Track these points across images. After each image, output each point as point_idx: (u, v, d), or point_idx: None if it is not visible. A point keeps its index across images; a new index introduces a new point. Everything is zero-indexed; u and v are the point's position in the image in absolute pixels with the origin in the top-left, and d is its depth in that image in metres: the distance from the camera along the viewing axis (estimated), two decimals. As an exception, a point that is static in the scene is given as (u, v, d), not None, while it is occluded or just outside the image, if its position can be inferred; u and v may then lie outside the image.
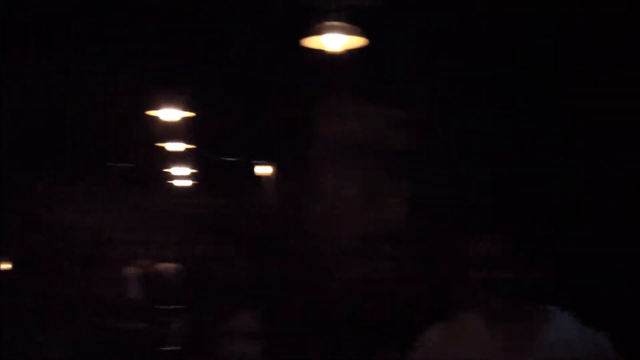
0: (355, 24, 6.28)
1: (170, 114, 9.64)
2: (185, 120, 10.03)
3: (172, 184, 17.92)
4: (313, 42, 6.38)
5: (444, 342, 3.10)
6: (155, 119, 9.87)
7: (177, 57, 8.14)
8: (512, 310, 2.99)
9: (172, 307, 10.77)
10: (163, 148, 12.57)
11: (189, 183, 17.90)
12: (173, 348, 8.40)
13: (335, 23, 6.25)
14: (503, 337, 2.98)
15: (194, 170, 16.56)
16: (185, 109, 9.65)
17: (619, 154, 5.34)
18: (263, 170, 14.83)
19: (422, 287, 6.78)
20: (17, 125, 9.88)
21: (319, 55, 6.56)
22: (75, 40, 7.61)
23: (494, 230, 3.04)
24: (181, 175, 16.93)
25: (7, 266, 9.64)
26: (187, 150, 13.16)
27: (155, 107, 9.57)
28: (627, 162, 5.29)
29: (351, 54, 6.56)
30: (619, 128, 5.31)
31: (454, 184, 6.83)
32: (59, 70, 8.85)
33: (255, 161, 15.16)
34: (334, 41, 6.36)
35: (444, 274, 6.20)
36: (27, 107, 10.12)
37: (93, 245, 12.21)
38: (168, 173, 16.66)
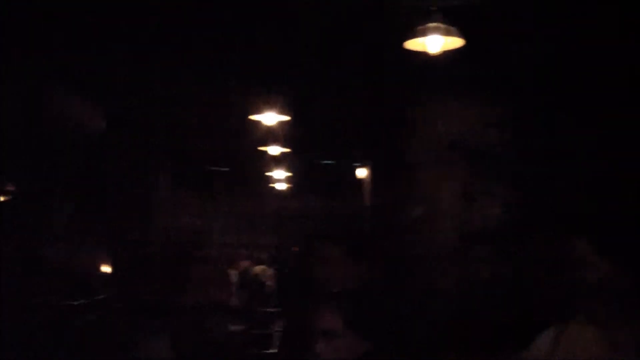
0: (454, 25, 6.26)
1: (270, 118, 9.71)
2: (285, 123, 10.12)
3: (272, 187, 18.02)
4: (414, 44, 6.42)
5: (555, 348, 3.05)
6: (256, 123, 9.97)
7: (277, 62, 8.21)
8: (618, 315, 2.93)
9: (270, 309, 10.83)
10: (264, 152, 12.64)
11: (288, 186, 17.98)
12: (271, 351, 8.48)
13: (435, 24, 6.24)
14: (611, 344, 2.92)
15: (293, 174, 16.62)
16: (285, 112, 9.74)
17: None
18: (362, 172, 14.81)
19: (521, 289, 6.72)
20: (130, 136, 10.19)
21: (420, 56, 6.53)
22: (175, 47, 7.74)
23: (591, 231, 2.99)
24: (281, 179, 17.00)
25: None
26: (287, 153, 13.22)
27: (257, 112, 9.67)
28: None
29: (451, 54, 6.53)
30: None
31: (552, 184, 6.75)
32: (163, 80, 9.06)
33: (355, 164, 15.25)
34: (434, 42, 6.35)
35: (542, 276, 6.05)
36: (136, 119, 10.59)
37: (196, 247, 12.17)
38: (269, 176, 16.75)
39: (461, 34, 6.31)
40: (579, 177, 6.15)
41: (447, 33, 6.28)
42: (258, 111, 9.67)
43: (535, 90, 7.09)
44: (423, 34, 6.28)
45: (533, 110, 7.26)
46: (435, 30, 6.25)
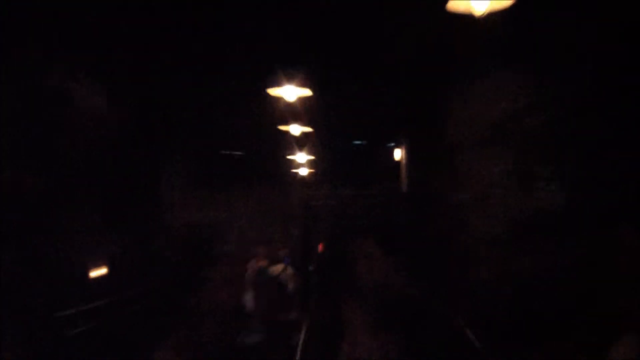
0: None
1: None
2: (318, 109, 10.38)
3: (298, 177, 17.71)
4: (460, 4, 6.01)
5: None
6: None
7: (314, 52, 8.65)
8: None
9: (290, 318, 10.49)
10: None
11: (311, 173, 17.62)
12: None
13: None
14: None
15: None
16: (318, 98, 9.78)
17: None
18: (398, 154, 14.51)
19: (579, 280, 6.29)
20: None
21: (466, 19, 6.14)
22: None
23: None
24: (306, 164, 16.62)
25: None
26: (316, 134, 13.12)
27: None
28: None
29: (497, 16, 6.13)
30: None
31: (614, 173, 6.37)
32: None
33: (390, 144, 15.01)
34: (481, 3, 5.94)
35: (598, 268, 5.76)
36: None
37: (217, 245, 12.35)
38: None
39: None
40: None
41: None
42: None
43: (586, 68, 6.71)
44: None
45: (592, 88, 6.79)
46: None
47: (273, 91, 9.44)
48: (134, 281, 9.79)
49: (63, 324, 7.30)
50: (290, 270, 13.83)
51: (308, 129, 12.28)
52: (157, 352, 5.31)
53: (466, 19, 6.13)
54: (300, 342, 8.82)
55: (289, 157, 15.87)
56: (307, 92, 9.43)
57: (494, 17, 6.09)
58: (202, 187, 15.58)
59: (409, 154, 13.71)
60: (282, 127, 12.01)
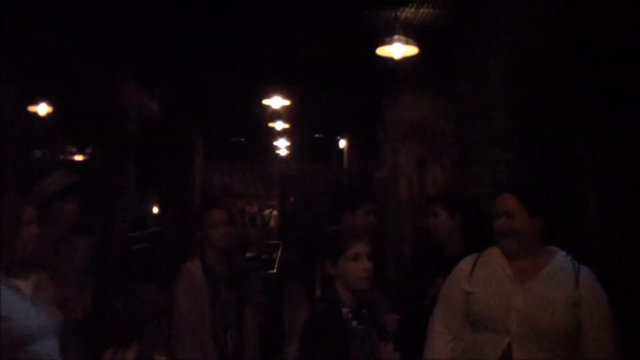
0: (411, 37, 6.33)
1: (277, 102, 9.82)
2: (287, 106, 10.15)
3: (277, 154, 18.12)
4: (383, 51, 6.47)
5: (472, 270, 3.15)
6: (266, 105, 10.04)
7: (285, 62, 8.20)
8: (522, 249, 3.04)
9: (274, 241, 10.96)
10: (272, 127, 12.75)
11: (288, 152, 18.05)
12: (274, 271, 8.56)
13: (397, 37, 6.33)
14: (516, 268, 3.04)
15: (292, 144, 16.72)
16: (288, 98, 9.79)
17: None
18: (343, 144, 14.93)
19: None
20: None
21: (388, 60, 6.53)
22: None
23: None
24: (283, 147, 17.08)
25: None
26: (288, 128, 13.31)
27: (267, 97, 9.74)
28: None
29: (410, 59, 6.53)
30: None
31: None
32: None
33: (338, 137, 15.29)
34: (397, 50, 6.42)
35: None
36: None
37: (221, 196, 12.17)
38: (274, 146, 16.85)
39: (416, 44, 6.37)
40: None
41: (406, 43, 6.37)
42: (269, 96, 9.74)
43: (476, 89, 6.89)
44: (389, 43, 6.35)
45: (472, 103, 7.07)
46: (397, 41, 6.34)
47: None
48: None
49: (132, 241, 8.00)
50: (274, 212, 14.25)
51: (286, 125, 12.71)
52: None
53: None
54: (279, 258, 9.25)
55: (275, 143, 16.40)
56: (286, 102, 9.78)
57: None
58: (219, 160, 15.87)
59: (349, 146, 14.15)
60: (271, 124, 12.38)
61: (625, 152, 3.77)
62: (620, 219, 3.75)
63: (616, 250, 3.74)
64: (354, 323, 2.98)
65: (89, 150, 7.28)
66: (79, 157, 7.26)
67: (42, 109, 6.30)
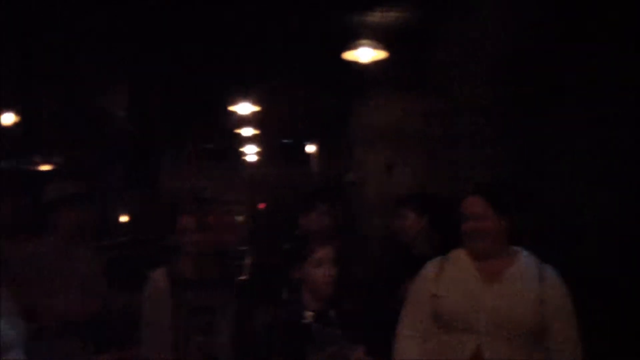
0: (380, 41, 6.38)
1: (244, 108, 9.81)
2: (255, 112, 10.15)
3: (245, 159, 18.10)
4: (351, 55, 6.52)
5: (439, 272, 3.18)
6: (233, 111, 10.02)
7: (253, 67, 8.20)
8: (490, 250, 3.09)
9: (244, 247, 10.90)
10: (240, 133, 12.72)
11: (257, 158, 18.04)
12: (245, 277, 8.48)
13: (365, 41, 6.39)
14: (483, 268, 3.09)
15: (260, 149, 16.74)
16: (256, 103, 9.80)
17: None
18: (313, 149, 14.97)
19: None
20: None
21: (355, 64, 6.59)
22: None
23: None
24: (252, 152, 17.06)
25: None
26: (256, 134, 13.29)
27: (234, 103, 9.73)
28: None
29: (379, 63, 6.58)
30: None
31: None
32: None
33: (306, 142, 15.32)
34: (365, 54, 6.48)
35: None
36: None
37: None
38: (242, 152, 16.84)
39: (385, 47, 6.42)
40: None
41: (375, 47, 6.42)
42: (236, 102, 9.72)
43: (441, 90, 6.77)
44: (356, 47, 6.39)
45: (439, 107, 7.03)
46: (365, 45, 6.38)
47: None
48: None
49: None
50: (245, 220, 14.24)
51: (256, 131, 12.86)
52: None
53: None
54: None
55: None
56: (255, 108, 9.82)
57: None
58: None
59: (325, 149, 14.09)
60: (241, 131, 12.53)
61: (609, 149, 3.83)
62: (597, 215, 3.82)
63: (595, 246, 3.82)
64: (315, 326, 2.98)
65: (57, 158, 7.20)
66: (46, 167, 7.19)
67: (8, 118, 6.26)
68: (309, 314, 2.97)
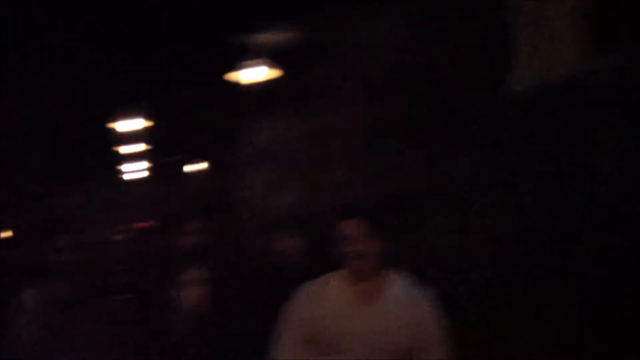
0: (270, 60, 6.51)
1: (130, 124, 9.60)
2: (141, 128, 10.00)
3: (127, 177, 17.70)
4: (235, 76, 6.65)
5: (315, 295, 3.17)
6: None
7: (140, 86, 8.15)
8: (367, 273, 3.08)
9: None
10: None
11: (142, 176, 17.68)
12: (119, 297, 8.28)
13: (255, 61, 6.49)
14: (359, 291, 3.08)
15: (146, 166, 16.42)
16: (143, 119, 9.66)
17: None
18: (198, 166, 14.85)
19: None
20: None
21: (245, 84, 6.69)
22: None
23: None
24: (135, 170, 16.70)
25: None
26: (141, 151, 13.02)
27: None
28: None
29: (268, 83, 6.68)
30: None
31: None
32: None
33: (192, 160, 15.16)
34: (253, 74, 6.62)
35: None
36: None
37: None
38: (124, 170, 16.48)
39: (270, 68, 6.48)
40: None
41: (260, 68, 6.48)
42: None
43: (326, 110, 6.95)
44: (241, 68, 6.37)
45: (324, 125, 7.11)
46: (250, 66, 6.37)
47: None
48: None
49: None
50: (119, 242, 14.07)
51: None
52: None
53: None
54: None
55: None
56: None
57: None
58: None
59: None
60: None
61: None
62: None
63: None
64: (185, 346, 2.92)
65: None
66: None
67: None
68: (180, 330, 2.91)
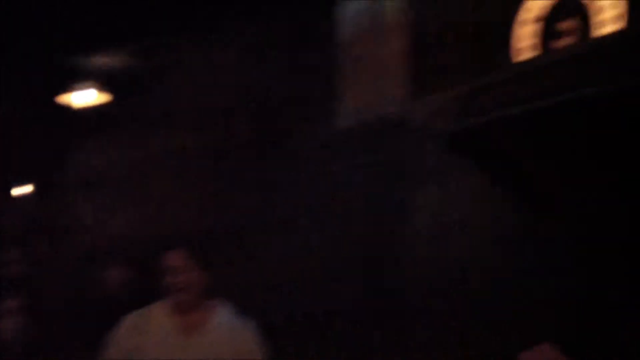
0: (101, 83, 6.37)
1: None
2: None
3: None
4: (65, 98, 6.47)
5: (138, 325, 3.18)
6: None
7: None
8: (190, 303, 3.14)
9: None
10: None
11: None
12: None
13: (86, 84, 6.36)
14: (182, 321, 3.14)
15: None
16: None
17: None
18: (23, 190, 14.18)
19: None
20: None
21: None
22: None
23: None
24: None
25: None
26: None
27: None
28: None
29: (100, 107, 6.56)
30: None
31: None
32: None
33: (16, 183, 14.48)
34: (83, 97, 6.48)
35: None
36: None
37: None
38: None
39: (108, 91, 6.36)
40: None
41: (91, 91, 6.38)
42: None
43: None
44: (72, 90, 6.27)
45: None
46: (80, 88, 6.28)
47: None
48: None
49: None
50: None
51: None
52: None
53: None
54: None
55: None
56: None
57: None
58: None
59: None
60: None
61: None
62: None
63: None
64: None
65: None
66: None
67: None
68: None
